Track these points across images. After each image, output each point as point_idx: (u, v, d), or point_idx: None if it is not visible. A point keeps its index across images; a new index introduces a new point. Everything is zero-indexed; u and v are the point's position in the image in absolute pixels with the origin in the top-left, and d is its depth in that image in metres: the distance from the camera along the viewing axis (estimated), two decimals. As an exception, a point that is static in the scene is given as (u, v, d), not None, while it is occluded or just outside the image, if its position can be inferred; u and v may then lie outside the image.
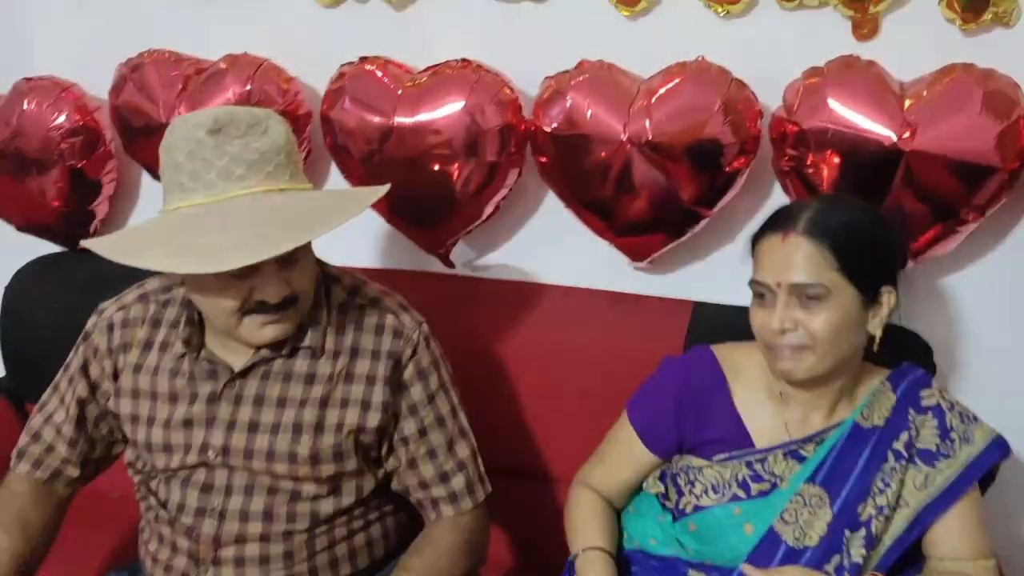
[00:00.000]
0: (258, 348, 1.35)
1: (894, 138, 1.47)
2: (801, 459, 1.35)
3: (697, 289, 1.77)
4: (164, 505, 1.40)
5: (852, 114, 1.49)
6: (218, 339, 1.38)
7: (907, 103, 1.48)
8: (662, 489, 1.45)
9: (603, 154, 1.59)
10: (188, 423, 1.37)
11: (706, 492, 1.38)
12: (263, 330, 1.31)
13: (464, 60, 1.70)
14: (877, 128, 1.48)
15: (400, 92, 1.69)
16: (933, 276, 1.67)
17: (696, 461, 1.40)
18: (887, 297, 1.30)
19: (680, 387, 1.41)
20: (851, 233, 1.27)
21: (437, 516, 1.43)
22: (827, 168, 1.52)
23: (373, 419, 1.37)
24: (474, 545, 1.44)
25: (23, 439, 1.48)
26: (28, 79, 1.98)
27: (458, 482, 1.42)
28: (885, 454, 1.34)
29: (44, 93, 1.94)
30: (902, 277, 1.35)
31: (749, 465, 1.37)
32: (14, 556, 1.37)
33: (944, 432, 1.34)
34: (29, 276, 2.09)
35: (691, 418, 1.40)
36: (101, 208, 2.06)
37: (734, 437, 1.39)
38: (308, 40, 1.86)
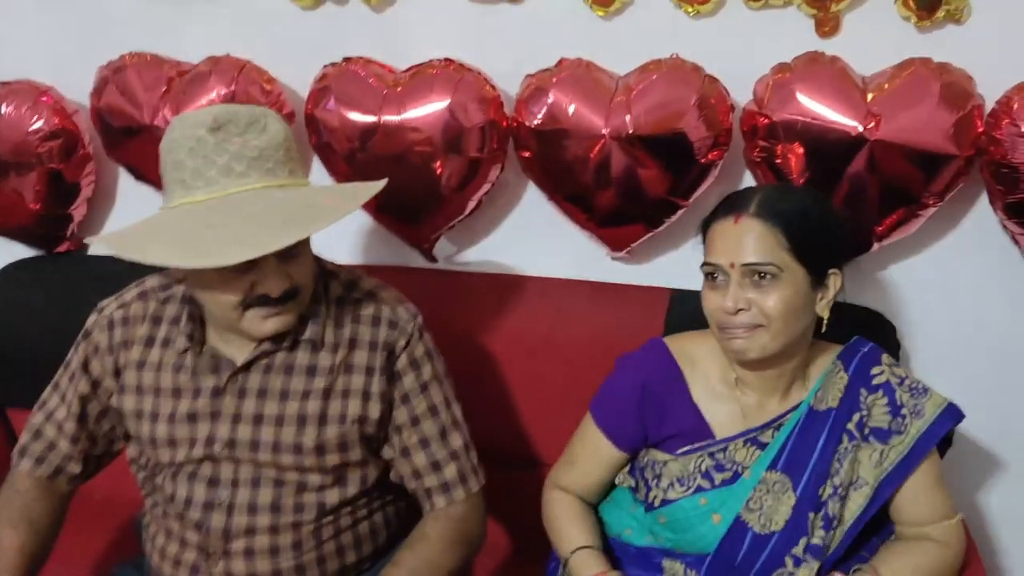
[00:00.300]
0: (260, 342, 1.38)
1: (859, 128, 1.55)
2: (761, 445, 1.39)
3: (674, 277, 1.83)
4: (171, 500, 1.41)
5: (819, 106, 1.57)
6: (219, 334, 1.40)
7: (870, 96, 1.57)
8: (632, 483, 1.49)
9: (585, 148, 1.65)
10: (192, 417, 1.39)
11: (672, 485, 1.41)
12: (265, 323, 1.34)
13: (447, 59, 1.75)
14: (842, 119, 1.56)
15: (385, 91, 1.74)
16: (897, 258, 1.76)
17: (660, 455, 1.44)
18: (834, 280, 1.35)
19: (639, 384, 1.44)
20: (801, 216, 1.32)
21: (431, 507, 1.45)
22: (796, 158, 1.60)
23: (374, 409, 1.41)
24: (465, 536, 1.45)
25: (24, 437, 1.49)
26: (5, 83, 1.97)
27: (450, 471, 1.44)
28: (840, 435, 1.37)
29: (22, 97, 1.94)
30: (852, 264, 1.41)
31: (711, 455, 1.40)
32: (23, 552, 1.39)
33: (895, 409, 1.38)
34: (6, 279, 2.08)
35: (653, 414, 1.43)
36: (79, 211, 2.06)
37: (695, 429, 1.42)
38: (287, 42, 1.89)
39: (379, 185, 1.40)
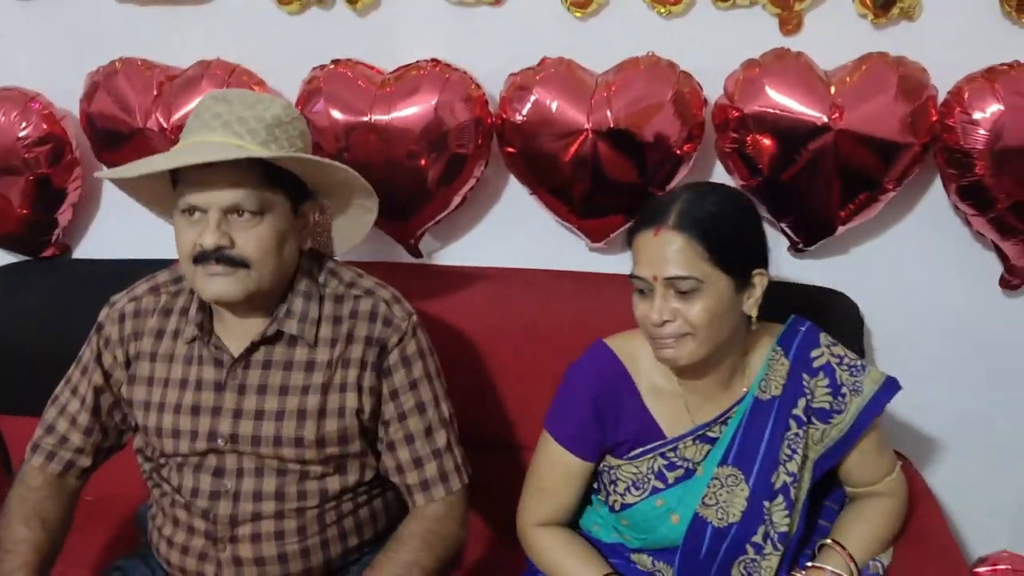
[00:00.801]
0: (256, 340, 1.43)
1: (823, 119, 1.66)
2: (711, 441, 1.43)
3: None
4: (178, 490, 1.46)
5: (785, 99, 1.68)
6: (222, 323, 1.45)
7: (832, 88, 1.68)
8: (595, 485, 1.53)
9: (567, 142, 1.74)
10: (196, 409, 1.44)
11: (628, 490, 1.44)
12: (209, 282, 1.36)
13: (433, 60, 1.82)
14: (808, 111, 1.67)
15: (373, 92, 1.80)
16: (859, 240, 1.88)
17: (613, 460, 1.47)
18: (759, 279, 1.37)
19: (592, 392, 1.45)
20: (718, 223, 1.33)
21: (412, 505, 1.49)
22: (765, 148, 1.71)
23: (365, 403, 1.45)
24: (440, 535, 1.46)
25: (37, 432, 1.52)
26: (-7, 89, 2.00)
27: (431, 469, 1.47)
28: (787, 422, 1.41)
29: (11, 103, 1.96)
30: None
31: (663, 455, 1.43)
32: (36, 548, 1.42)
33: (835, 389, 1.42)
34: (-6, 284, 2.10)
35: (609, 419, 1.45)
36: (64, 216, 2.09)
37: (645, 429, 1.45)
38: (275, 46, 1.94)
39: (312, 159, 1.42)
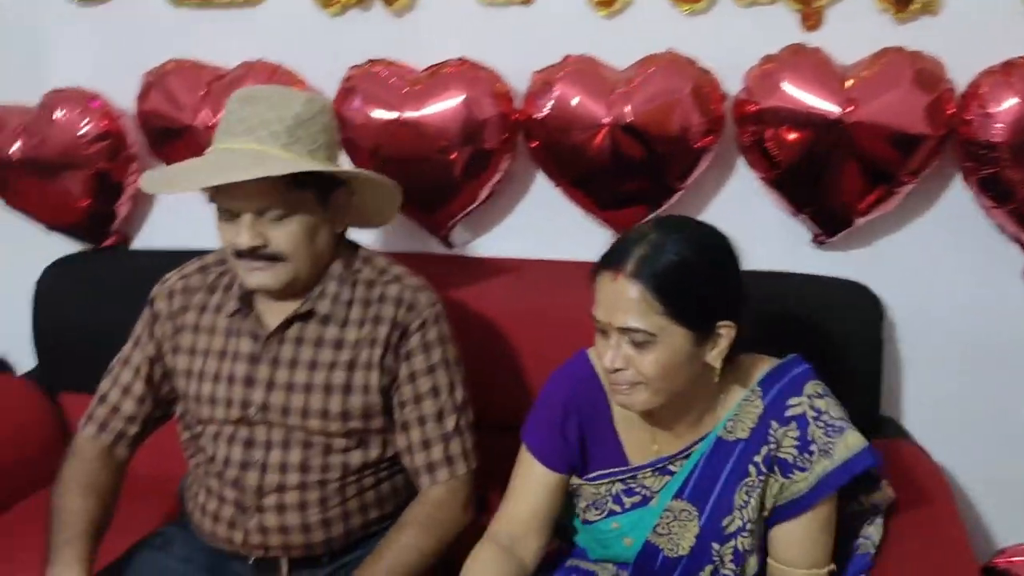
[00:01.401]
0: (290, 317, 1.52)
1: (838, 112, 1.69)
2: (671, 472, 1.39)
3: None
4: (212, 460, 1.55)
5: (802, 93, 1.71)
6: (261, 301, 1.55)
7: (848, 82, 1.71)
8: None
9: (588, 136, 1.79)
10: (232, 379, 1.54)
11: (588, 508, 1.43)
12: (250, 275, 1.48)
13: (461, 59, 1.90)
14: (823, 104, 1.70)
15: (404, 89, 1.89)
16: (879, 233, 1.89)
17: (575, 479, 1.45)
18: (726, 331, 1.29)
19: (565, 405, 1.43)
20: (679, 274, 1.26)
21: (419, 488, 1.55)
22: (783, 141, 1.74)
23: (385, 382, 1.53)
24: (438, 521, 1.51)
25: (91, 404, 1.63)
26: (58, 90, 2.13)
27: (437, 452, 1.53)
28: (747, 469, 1.34)
29: (72, 103, 2.10)
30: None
31: (623, 480, 1.41)
32: (92, 518, 1.51)
33: (804, 444, 1.32)
34: (58, 272, 2.22)
35: (576, 433, 1.42)
36: (123, 208, 2.21)
37: (611, 453, 1.42)
38: (316, 46, 2.04)
39: (310, 167, 1.46)
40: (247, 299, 1.55)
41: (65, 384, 2.23)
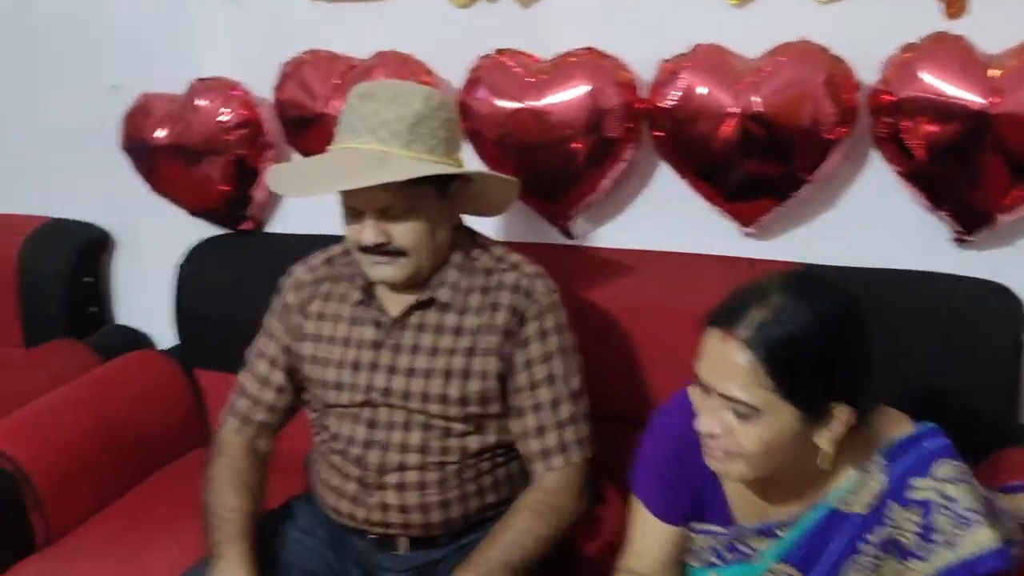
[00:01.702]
0: (412, 305, 1.56)
1: (982, 103, 1.61)
2: (776, 536, 1.29)
3: (804, 252, 1.90)
4: (336, 438, 1.61)
5: (943, 84, 1.63)
6: (383, 290, 1.59)
7: (992, 72, 1.62)
8: None
9: (715, 126, 1.76)
10: (356, 365, 1.59)
11: (688, 553, 1.38)
12: (375, 269, 1.53)
13: (587, 48, 1.90)
14: (966, 95, 1.62)
15: (530, 79, 1.90)
16: (1021, 232, 1.79)
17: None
18: (843, 415, 1.16)
19: (670, 456, 1.34)
20: (798, 348, 1.13)
21: (534, 474, 1.56)
22: (921, 133, 1.67)
23: (506, 368, 1.55)
24: (552, 508, 1.52)
25: (232, 398, 1.71)
26: (201, 79, 2.24)
27: (552, 439, 1.55)
28: (858, 547, 1.24)
29: (215, 92, 2.20)
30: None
31: (725, 537, 1.34)
32: (248, 516, 1.57)
33: (926, 531, 1.19)
34: (200, 254, 2.34)
35: (686, 484, 1.33)
36: (259, 193, 2.31)
37: (718, 509, 1.34)
38: (445, 37, 2.07)
39: (431, 170, 1.48)
40: (370, 289, 1.60)
41: (202, 362, 2.34)
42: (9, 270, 2.50)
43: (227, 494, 1.59)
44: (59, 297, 2.50)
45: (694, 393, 1.23)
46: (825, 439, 1.17)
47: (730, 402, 1.16)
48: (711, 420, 1.19)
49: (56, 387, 2.13)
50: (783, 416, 1.15)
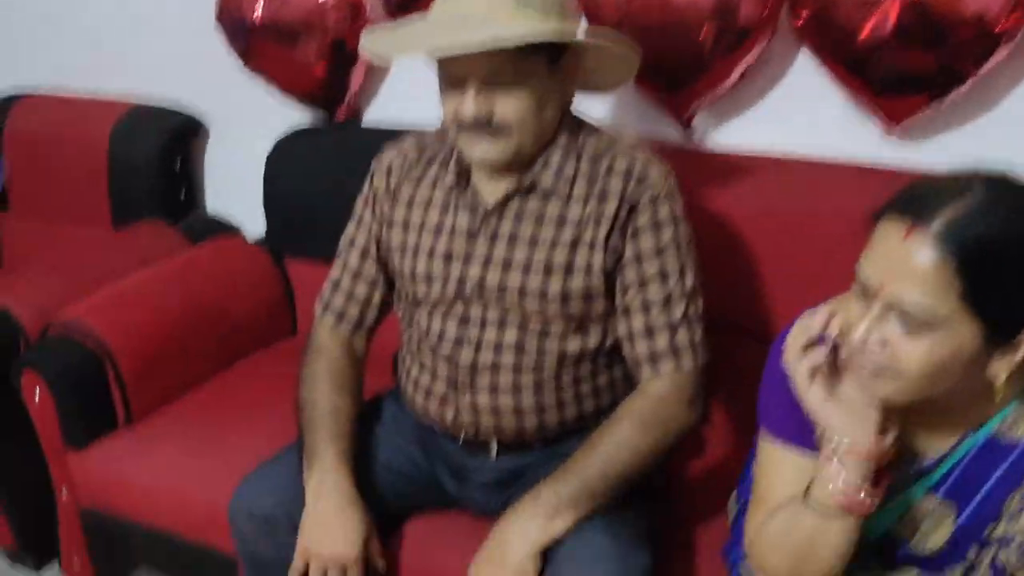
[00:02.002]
0: (511, 191, 1.44)
1: None
2: (923, 471, 1.16)
3: (953, 161, 1.72)
4: (427, 334, 1.51)
5: None
6: (480, 174, 1.47)
7: None
8: None
9: (868, 9, 1.58)
10: (448, 256, 1.47)
11: None
12: (473, 147, 1.39)
13: (724, -79, 1.71)
14: None
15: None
16: None
17: None
18: None
19: None
20: (999, 253, 0.97)
21: (639, 379, 1.44)
22: (1115, 23, 1.45)
23: (609, 262, 1.42)
24: (661, 417, 1.41)
25: (325, 290, 1.61)
26: (303, -47, 2.12)
27: (662, 341, 1.41)
28: (1021, 479, 1.10)
29: (315, -35, 2.08)
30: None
31: None
32: (351, 417, 1.52)
33: None
34: (288, 143, 2.27)
35: None
36: (356, 79, 2.20)
37: None
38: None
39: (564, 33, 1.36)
40: (465, 172, 1.47)
41: (292, 251, 2.30)
42: (101, 154, 2.45)
43: (325, 394, 1.52)
44: (148, 183, 2.45)
45: (846, 300, 1.05)
46: (1004, 368, 1.01)
47: (901, 310, 0.99)
48: (868, 330, 1.01)
49: (143, 268, 2.10)
50: (962, 332, 0.98)
